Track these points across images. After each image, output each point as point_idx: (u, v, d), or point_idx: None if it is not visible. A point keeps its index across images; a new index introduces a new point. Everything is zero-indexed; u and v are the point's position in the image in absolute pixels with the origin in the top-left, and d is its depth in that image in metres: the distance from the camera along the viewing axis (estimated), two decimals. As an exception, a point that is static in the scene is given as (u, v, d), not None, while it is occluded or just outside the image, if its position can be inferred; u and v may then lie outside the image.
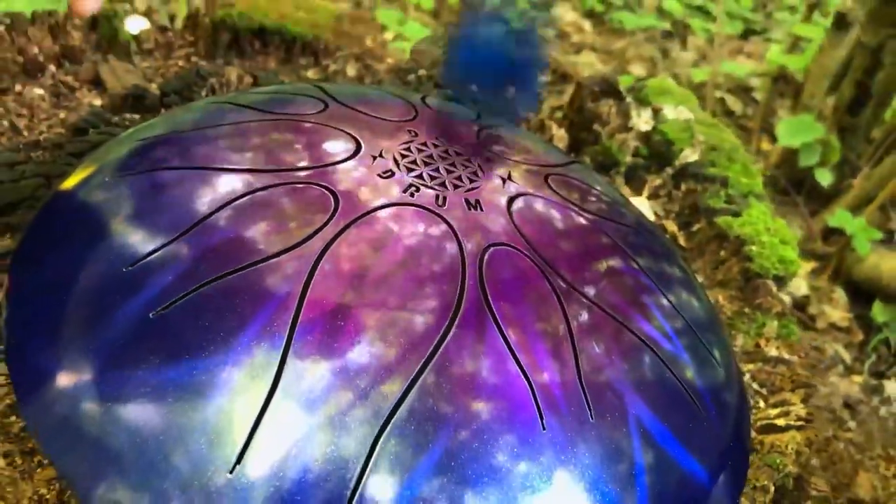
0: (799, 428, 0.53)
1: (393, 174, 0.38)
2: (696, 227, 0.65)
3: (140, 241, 0.34)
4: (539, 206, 0.40)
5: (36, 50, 0.66)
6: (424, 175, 0.38)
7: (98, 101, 0.66)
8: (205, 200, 0.35)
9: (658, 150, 0.69)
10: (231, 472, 0.29)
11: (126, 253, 0.34)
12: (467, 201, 0.37)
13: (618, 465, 0.33)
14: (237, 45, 0.77)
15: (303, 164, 0.37)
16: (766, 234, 0.62)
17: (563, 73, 0.86)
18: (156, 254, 0.33)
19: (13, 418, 0.40)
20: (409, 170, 0.38)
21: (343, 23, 0.85)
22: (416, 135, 0.41)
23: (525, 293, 0.35)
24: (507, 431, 0.31)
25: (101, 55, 0.72)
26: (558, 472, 0.31)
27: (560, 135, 0.72)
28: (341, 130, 0.40)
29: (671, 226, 0.66)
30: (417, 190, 0.37)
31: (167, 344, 0.31)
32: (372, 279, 0.33)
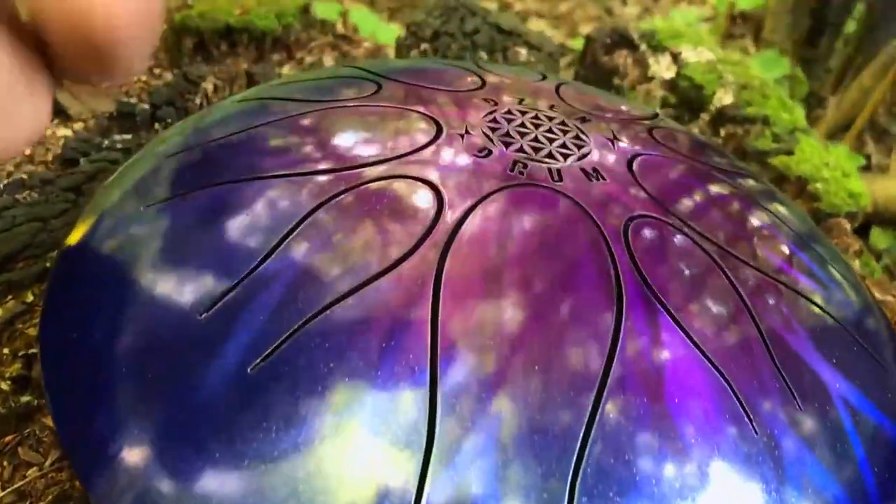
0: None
1: (490, 152, 0.31)
2: (747, 173, 0.60)
3: (211, 279, 0.27)
4: (659, 163, 0.34)
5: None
6: (525, 148, 0.32)
7: (65, 132, 0.58)
8: (275, 217, 0.28)
9: (687, 97, 0.63)
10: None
11: (196, 297, 0.26)
12: (584, 171, 0.31)
13: (841, 459, 0.27)
14: (203, 49, 0.69)
15: (378, 156, 0.30)
16: (826, 170, 0.58)
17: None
18: (234, 291, 0.26)
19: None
20: (507, 144, 0.32)
21: (310, 12, 0.78)
22: (496, 103, 0.34)
23: (686, 270, 0.29)
24: (711, 451, 0.25)
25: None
26: (784, 489, 0.25)
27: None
28: (410, 110, 0.33)
29: (720, 176, 0.60)
30: (525, 166, 0.30)
31: (282, 403, 0.24)
32: (506, 284, 0.27)
